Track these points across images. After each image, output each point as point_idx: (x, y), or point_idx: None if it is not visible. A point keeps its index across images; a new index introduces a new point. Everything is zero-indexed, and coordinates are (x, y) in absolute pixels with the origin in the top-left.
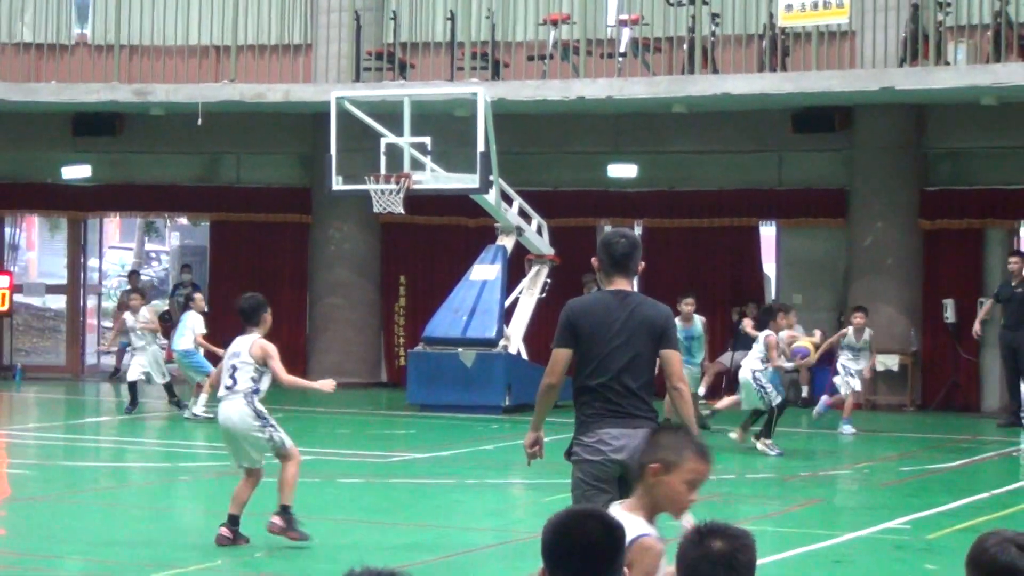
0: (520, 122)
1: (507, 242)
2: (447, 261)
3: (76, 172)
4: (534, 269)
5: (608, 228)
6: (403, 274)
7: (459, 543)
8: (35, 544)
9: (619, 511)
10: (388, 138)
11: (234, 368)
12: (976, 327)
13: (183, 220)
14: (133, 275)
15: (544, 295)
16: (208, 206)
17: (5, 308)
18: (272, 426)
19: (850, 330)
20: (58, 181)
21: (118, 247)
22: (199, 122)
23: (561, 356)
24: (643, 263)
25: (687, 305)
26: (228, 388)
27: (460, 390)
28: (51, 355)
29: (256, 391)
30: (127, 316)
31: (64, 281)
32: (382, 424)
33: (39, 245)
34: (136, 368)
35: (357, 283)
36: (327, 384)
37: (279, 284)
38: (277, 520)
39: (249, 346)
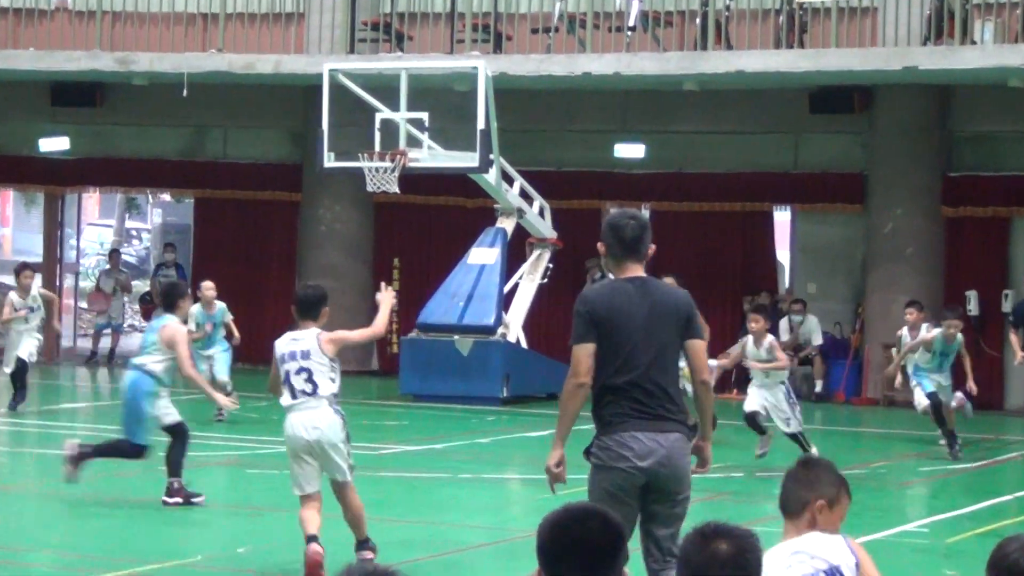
0: (522, 98)
1: (507, 224)
2: (444, 243)
3: (54, 144)
4: (535, 253)
5: (613, 210)
6: (397, 256)
7: (452, 541)
8: (3, 537)
9: (803, 541)
10: (383, 113)
11: (307, 371)
12: (1019, 356)
13: (166, 197)
14: (113, 253)
15: (546, 280)
16: (193, 182)
17: None
18: (349, 446)
19: (905, 331)
20: (35, 154)
21: (97, 224)
22: (184, 93)
23: (586, 352)
24: (653, 246)
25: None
26: (307, 394)
27: (456, 380)
28: None
29: (338, 394)
30: (13, 296)
31: (40, 259)
32: (372, 415)
33: (14, 221)
34: (25, 351)
35: (349, 265)
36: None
37: (266, 265)
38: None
39: (317, 343)
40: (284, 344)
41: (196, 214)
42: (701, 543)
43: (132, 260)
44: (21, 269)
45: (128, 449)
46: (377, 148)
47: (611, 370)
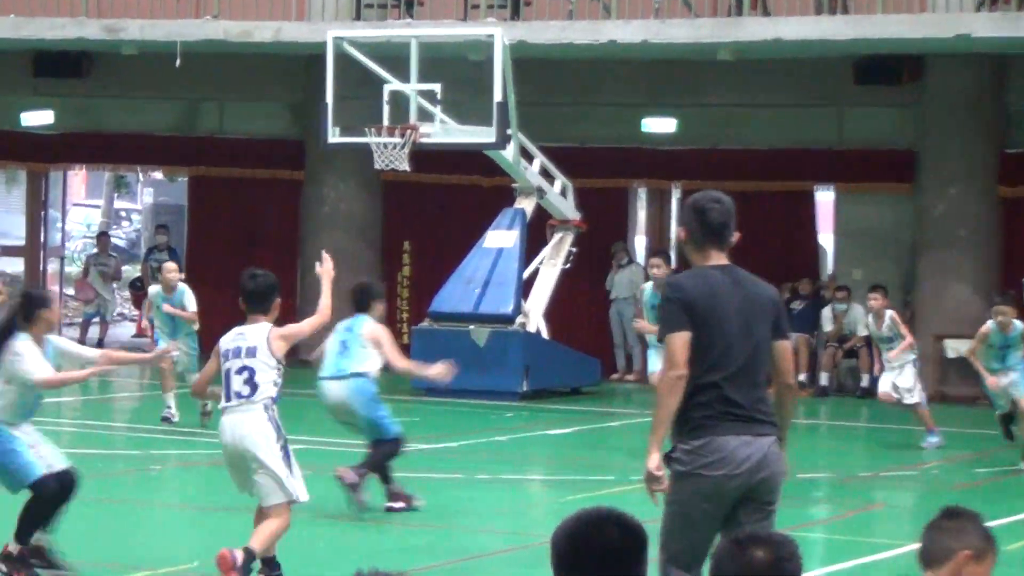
0: (543, 69)
1: (527, 205)
2: (458, 225)
3: (37, 118)
4: (557, 236)
5: (643, 190)
6: (408, 240)
7: (467, 546)
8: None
9: None
10: (392, 85)
11: (249, 371)
12: None
13: (158, 175)
14: (102, 236)
15: (568, 266)
16: (186, 159)
17: None
18: (289, 458)
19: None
20: (16, 128)
21: (84, 204)
22: (177, 63)
23: (683, 341)
24: (738, 233)
25: (656, 268)
26: (242, 396)
27: (471, 373)
28: None
29: (276, 399)
30: None
31: (22, 242)
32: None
33: None
34: None
35: (355, 249)
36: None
37: (266, 249)
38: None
39: (267, 340)
40: (229, 339)
41: (190, 194)
42: (736, 551)
43: (122, 243)
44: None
45: (390, 448)
46: (386, 123)
47: (704, 366)
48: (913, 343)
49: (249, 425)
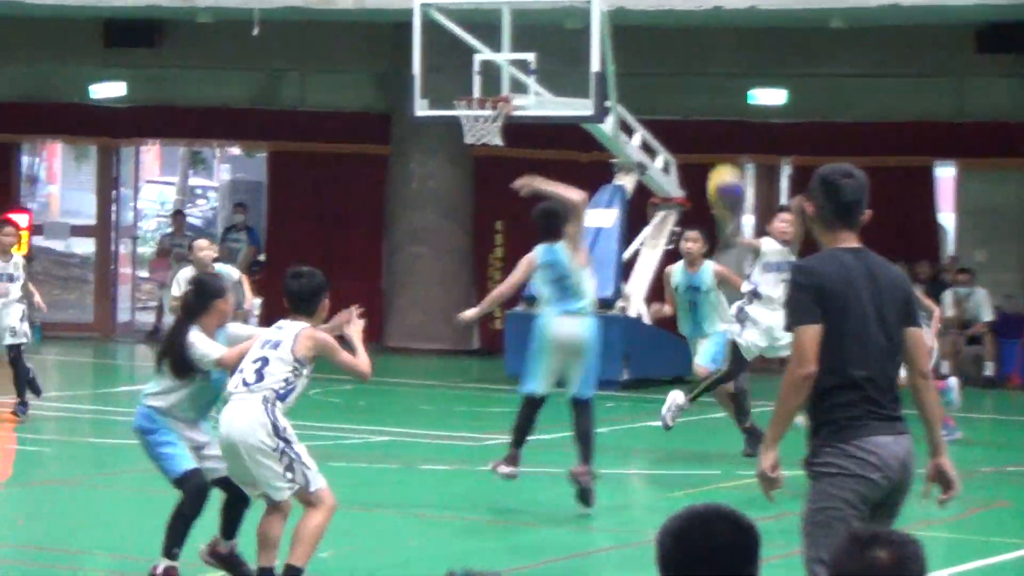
0: (644, 37)
1: (627, 182)
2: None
3: (107, 90)
4: (659, 215)
5: (751, 166)
6: (500, 218)
7: (567, 545)
8: (56, 535)
9: None
10: (483, 54)
11: (263, 361)
12: None
13: (235, 150)
14: (177, 215)
15: (672, 247)
16: (266, 133)
17: (23, 252)
18: (292, 453)
19: None
20: (85, 101)
21: (157, 181)
22: (255, 32)
23: (813, 334)
24: (869, 211)
25: (691, 242)
26: (245, 385)
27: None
28: (76, 310)
29: (282, 396)
30: None
31: (92, 221)
32: (473, 400)
33: (63, 178)
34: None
35: (444, 228)
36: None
37: (350, 228)
38: None
39: (295, 336)
40: (270, 329)
41: (270, 170)
42: (857, 551)
43: (197, 222)
44: (2, 225)
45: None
46: (477, 94)
47: (842, 360)
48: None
49: (243, 415)
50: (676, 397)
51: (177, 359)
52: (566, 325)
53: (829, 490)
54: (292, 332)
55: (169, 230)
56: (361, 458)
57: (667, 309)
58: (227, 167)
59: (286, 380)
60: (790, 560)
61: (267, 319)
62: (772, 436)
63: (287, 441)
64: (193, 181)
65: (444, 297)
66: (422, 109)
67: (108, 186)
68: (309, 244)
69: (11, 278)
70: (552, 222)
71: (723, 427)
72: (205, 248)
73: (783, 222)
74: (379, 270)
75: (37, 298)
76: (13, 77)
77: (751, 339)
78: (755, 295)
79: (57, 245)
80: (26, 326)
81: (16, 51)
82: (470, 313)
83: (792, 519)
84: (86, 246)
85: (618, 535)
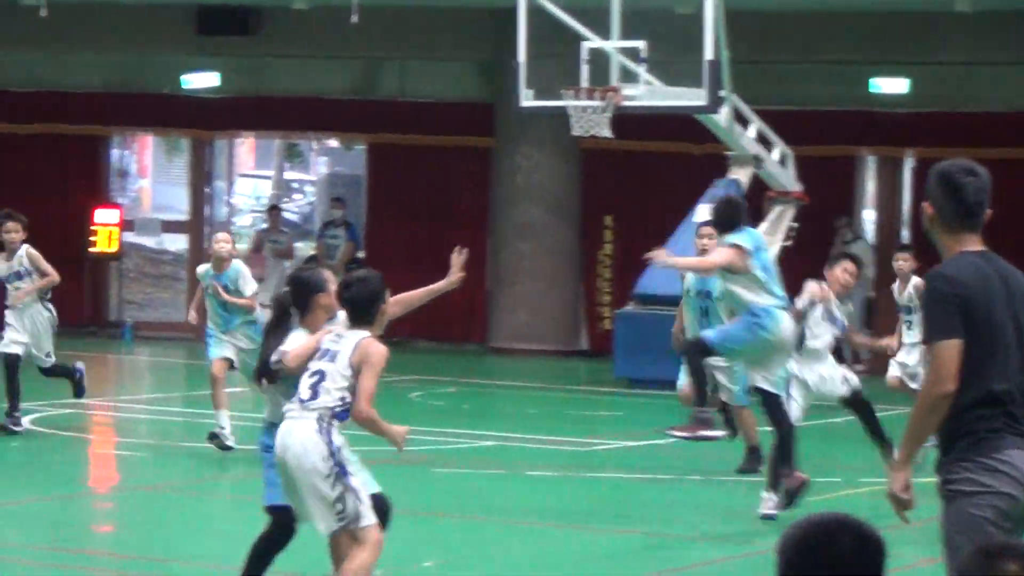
0: (760, 22)
1: (742, 175)
2: (665, 198)
3: (200, 80)
4: (776, 209)
5: (872, 159)
6: (609, 214)
7: (678, 556)
8: (149, 543)
9: None
10: (592, 42)
11: (320, 375)
12: None
13: (333, 142)
14: (272, 210)
15: (789, 243)
16: (364, 125)
17: (114, 249)
18: (346, 481)
19: None
20: (177, 91)
21: (252, 175)
22: (354, 19)
23: (954, 350)
24: (990, 210)
25: (708, 239)
26: (301, 401)
27: (680, 362)
28: (168, 309)
29: (339, 415)
30: None
31: (185, 217)
32: (582, 403)
33: (154, 171)
34: (11, 340)
35: (551, 224)
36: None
37: (453, 224)
38: None
39: (355, 347)
40: (330, 337)
41: (369, 163)
42: (986, 563)
43: (294, 218)
44: (4, 219)
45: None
46: (584, 84)
47: (984, 374)
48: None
49: (296, 435)
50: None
51: (260, 366)
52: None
53: (969, 510)
54: (352, 342)
55: (264, 225)
56: (465, 464)
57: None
58: (324, 160)
59: (343, 398)
60: (916, 571)
61: None
62: (904, 456)
63: (342, 467)
64: (289, 175)
65: (551, 296)
66: (527, 100)
67: (201, 180)
68: (409, 241)
69: (19, 276)
70: (735, 211)
71: (843, 433)
72: (221, 241)
73: (846, 272)
74: (483, 268)
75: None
76: (103, 67)
77: (798, 401)
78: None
79: (149, 242)
80: (26, 336)
81: (106, 40)
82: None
83: (915, 528)
84: (179, 242)
85: (732, 545)
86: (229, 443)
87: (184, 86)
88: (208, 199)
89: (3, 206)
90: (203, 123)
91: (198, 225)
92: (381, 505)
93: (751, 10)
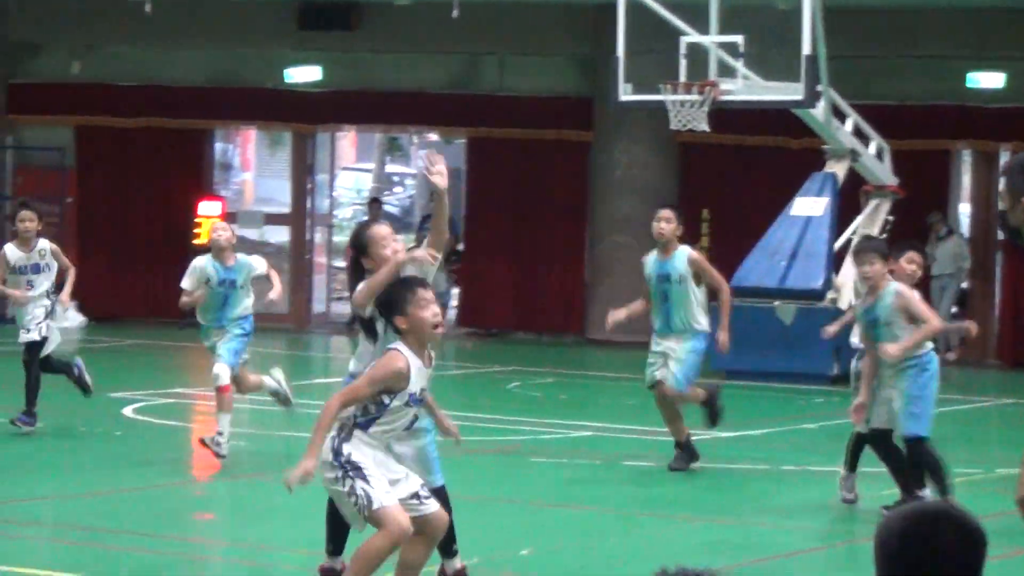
0: (856, 18)
1: (838, 169)
2: (762, 191)
3: (302, 75)
4: (872, 203)
5: (968, 153)
6: (706, 207)
7: (771, 544)
8: (249, 531)
9: None
10: (690, 37)
11: (349, 378)
12: None
13: (433, 136)
14: (373, 203)
15: (884, 236)
16: (464, 119)
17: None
18: (352, 475)
19: None
20: (279, 86)
21: (353, 168)
22: (454, 14)
23: None
24: None
25: (665, 222)
26: None
27: (776, 354)
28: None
29: (362, 425)
30: (8, 249)
31: (287, 209)
32: None
33: (257, 165)
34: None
35: (648, 217)
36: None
37: (552, 217)
38: None
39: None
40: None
41: (468, 156)
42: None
43: (394, 210)
44: (19, 208)
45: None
46: (683, 79)
47: None
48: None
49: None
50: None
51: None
52: None
53: None
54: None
55: (365, 218)
56: (562, 454)
57: (632, 309)
58: (424, 154)
59: (365, 408)
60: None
61: (468, 311)
62: None
63: (347, 468)
64: (390, 168)
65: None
66: (626, 94)
67: (303, 173)
68: (509, 232)
69: (37, 269)
70: None
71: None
72: (220, 230)
73: (912, 262)
74: (581, 260)
75: (65, 294)
76: (206, 62)
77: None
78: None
79: (251, 233)
80: (47, 325)
81: (209, 35)
82: None
83: (1012, 519)
84: (280, 235)
85: (825, 535)
86: (224, 453)
87: (287, 80)
88: (310, 192)
89: (109, 198)
90: (305, 117)
91: (300, 217)
92: (441, 499)
93: (849, 6)
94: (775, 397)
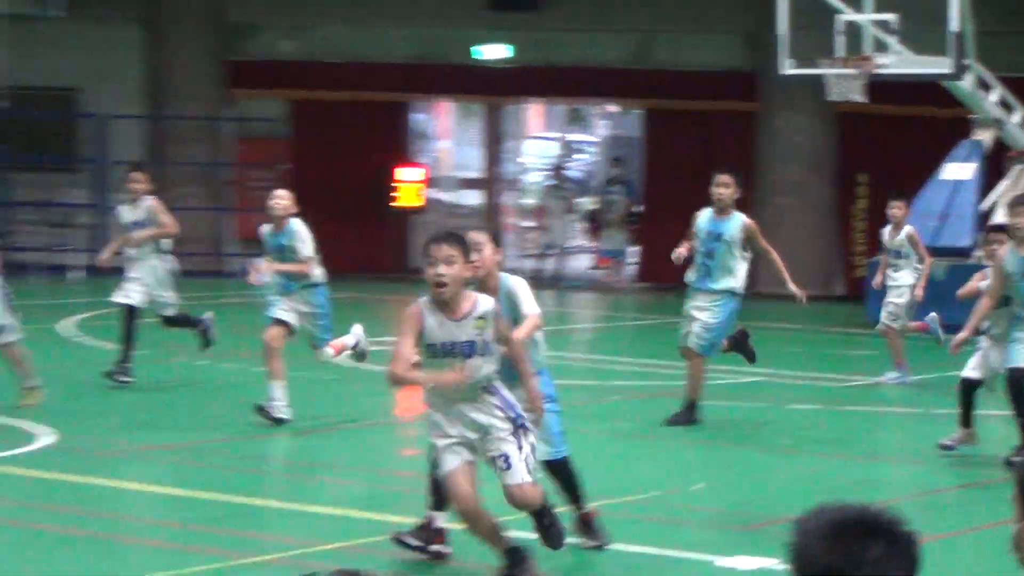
0: None
1: (984, 136)
2: (914, 157)
3: (492, 52)
4: (1016, 169)
5: None
6: (863, 171)
7: (921, 482)
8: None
9: None
10: (846, 15)
11: None
12: None
13: (612, 107)
14: (557, 169)
15: None
16: (640, 92)
17: (419, 204)
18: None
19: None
20: (471, 62)
21: (539, 137)
22: None
23: None
24: None
25: (724, 187)
26: None
27: (929, 307)
28: None
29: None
30: (122, 209)
31: (480, 175)
32: (838, 343)
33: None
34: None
35: (810, 181)
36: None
37: None
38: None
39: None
40: None
41: (645, 126)
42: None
43: (577, 176)
44: (131, 169)
45: None
46: (840, 54)
47: None
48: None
49: None
50: None
51: None
52: None
53: None
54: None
55: (551, 183)
56: (733, 397)
57: (681, 252)
58: (604, 123)
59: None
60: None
61: (647, 268)
62: None
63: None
64: (572, 137)
65: (810, 246)
66: (788, 68)
67: (494, 142)
68: (682, 195)
69: (138, 225)
70: None
71: None
72: (278, 198)
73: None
74: None
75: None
76: (404, 40)
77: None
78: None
79: (447, 197)
80: (139, 288)
81: (407, 16)
82: None
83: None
84: (474, 198)
85: (968, 472)
86: (282, 415)
87: (478, 57)
88: (500, 159)
89: (319, 164)
90: (495, 90)
91: (492, 182)
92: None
93: None
94: (929, 347)
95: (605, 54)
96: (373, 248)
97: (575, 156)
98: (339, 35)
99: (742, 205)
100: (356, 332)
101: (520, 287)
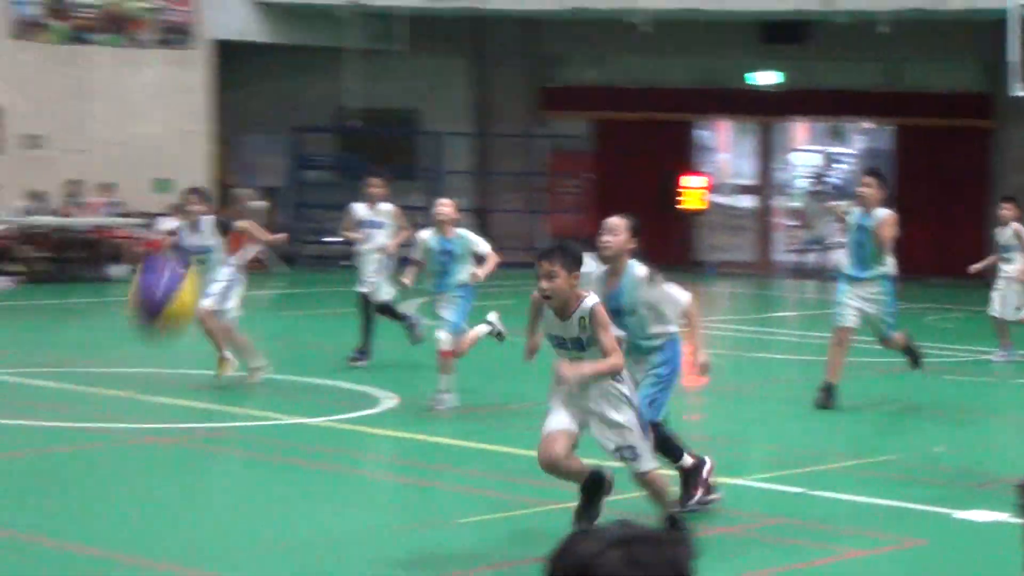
0: None
1: None
2: None
3: (764, 78)
4: None
5: None
6: None
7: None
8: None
9: None
10: None
11: None
12: None
13: (867, 124)
14: (819, 177)
15: None
16: (892, 111)
17: (702, 207)
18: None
19: None
20: (745, 86)
21: (804, 150)
22: (882, 29)
23: None
24: None
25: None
26: None
27: None
28: (739, 252)
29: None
30: (357, 207)
31: (754, 182)
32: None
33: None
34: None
35: None
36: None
37: (959, 190)
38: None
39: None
40: None
41: (896, 141)
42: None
43: (836, 182)
44: (371, 175)
45: None
46: None
47: None
48: None
49: None
50: None
51: None
52: None
53: None
54: None
55: (813, 189)
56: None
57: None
58: (860, 138)
59: None
60: None
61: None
62: None
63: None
64: (833, 150)
65: None
66: (1019, 91)
67: (766, 154)
68: (927, 201)
69: (373, 224)
70: None
71: None
72: (442, 205)
73: None
74: (982, 223)
75: (392, 244)
76: (690, 68)
77: None
78: None
79: (726, 201)
80: (379, 278)
81: (692, 47)
82: None
83: None
84: (748, 201)
85: None
86: (452, 403)
87: (751, 82)
88: (770, 168)
89: (618, 174)
90: (767, 111)
91: (763, 188)
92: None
93: None
94: None
95: (861, 79)
96: (663, 244)
97: (835, 166)
98: (635, 65)
99: (974, 208)
100: (491, 319)
101: (640, 274)
